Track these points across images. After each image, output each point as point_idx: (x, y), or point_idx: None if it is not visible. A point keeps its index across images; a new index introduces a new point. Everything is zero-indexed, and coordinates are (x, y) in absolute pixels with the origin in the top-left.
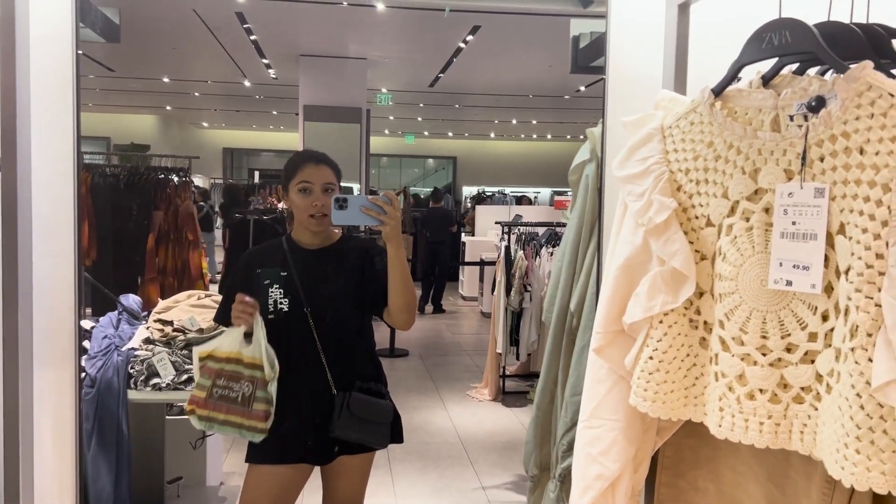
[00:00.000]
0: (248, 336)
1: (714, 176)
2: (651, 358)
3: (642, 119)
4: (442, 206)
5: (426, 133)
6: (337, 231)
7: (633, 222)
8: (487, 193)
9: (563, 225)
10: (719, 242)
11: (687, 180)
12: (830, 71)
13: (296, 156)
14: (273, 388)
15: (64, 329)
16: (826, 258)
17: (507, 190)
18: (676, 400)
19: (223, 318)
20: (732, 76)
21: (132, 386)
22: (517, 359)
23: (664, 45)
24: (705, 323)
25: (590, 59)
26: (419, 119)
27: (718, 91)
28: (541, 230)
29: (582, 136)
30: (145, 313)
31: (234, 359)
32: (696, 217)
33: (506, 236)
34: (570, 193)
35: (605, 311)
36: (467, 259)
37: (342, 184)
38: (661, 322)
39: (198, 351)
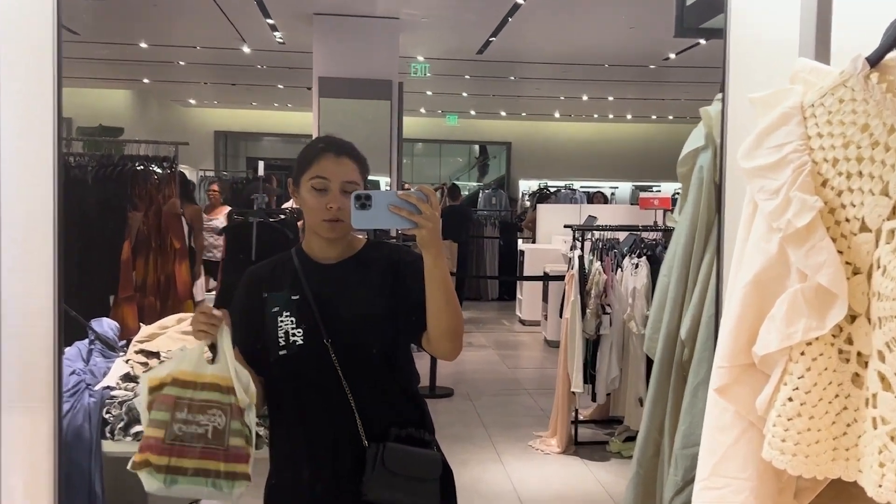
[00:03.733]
0: (214, 352)
1: (870, 167)
2: (790, 399)
3: (776, 95)
4: (459, 204)
5: (473, 113)
6: (360, 237)
7: (765, 226)
8: (551, 189)
9: (651, 229)
10: (877, 252)
11: (835, 173)
12: None
13: (312, 143)
14: (251, 419)
15: (40, 364)
16: None
17: (577, 185)
18: (823, 453)
19: None
20: (894, 41)
21: (108, 435)
22: (593, 400)
23: (802, 1)
24: (859, 354)
25: (701, 18)
26: (464, 95)
27: (875, 60)
28: (622, 235)
29: (671, 118)
30: (123, 342)
31: (198, 382)
32: (848, 220)
33: (577, 243)
34: (657, 189)
35: (730, 340)
36: (527, 272)
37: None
38: (802, 354)
39: (147, 378)
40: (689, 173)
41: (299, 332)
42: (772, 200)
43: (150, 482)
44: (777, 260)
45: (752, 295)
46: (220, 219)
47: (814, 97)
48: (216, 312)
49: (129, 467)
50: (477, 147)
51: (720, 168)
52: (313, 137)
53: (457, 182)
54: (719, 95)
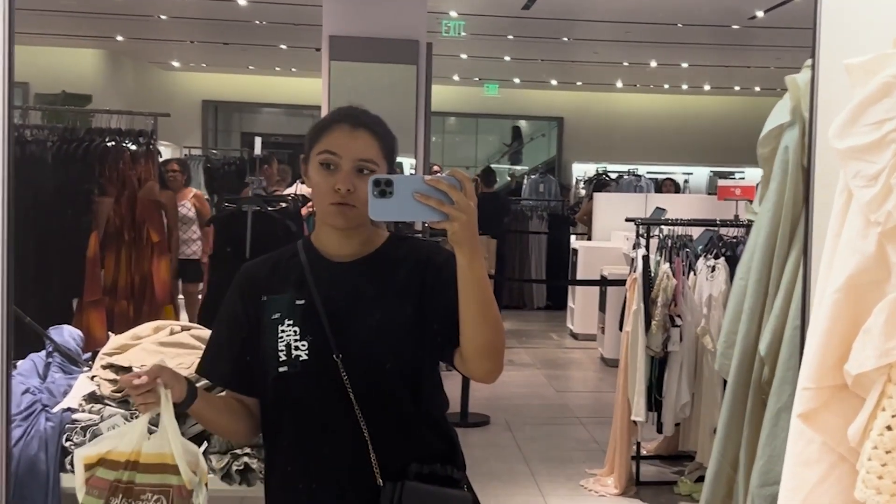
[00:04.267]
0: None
1: None
2: (889, 428)
3: (877, 61)
4: (494, 192)
5: (517, 81)
6: (382, 231)
7: (861, 220)
8: (611, 175)
9: (732, 224)
10: None
11: None
12: None
13: (330, 113)
14: (201, 501)
15: None
16: None
17: (642, 170)
18: None
19: (210, 369)
20: None
21: (68, 467)
22: (659, 431)
23: None
24: None
25: None
26: (506, 59)
27: None
28: (696, 232)
29: (758, 89)
30: (88, 355)
31: (137, 462)
32: None
33: (642, 241)
34: (739, 175)
35: (818, 357)
36: (581, 275)
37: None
38: None
39: (81, 456)
40: (771, 155)
41: (304, 346)
42: (869, 188)
43: None
44: (875, 260)
45: (845, 302)
46: (185, 204)
47: None
48: (142, 379)
49: None
50: (513, 127)
51: (809, 149)
52: (322, 109)
53: (496, 165)
54: (809, 61)
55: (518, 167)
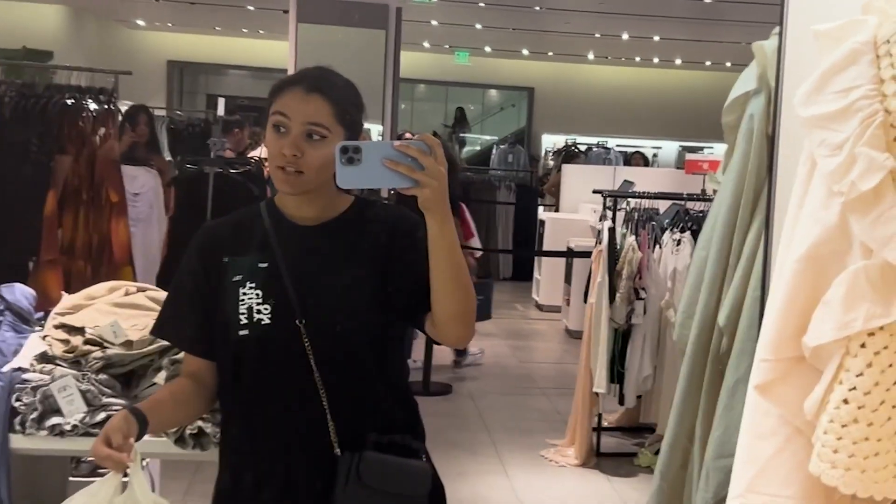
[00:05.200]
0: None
1: None
2: (846, 402)
3: (845, 27)
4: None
5: (488, 49)
6: (346, 195)
7: (824, 189)
8: (580, 147)
9: (698, 198)
10: None
11: None
12: None
13: (288, 75)
14: None
15: None
16: None
17: (611, 142)
18: (884, 467)
19: (167, 329)
20: None
21: (17, 428)
22: (621, 403)
23: None
24: None
25: None
26: (477, 27)
27: None
28: (663, 205)
29: (729, 65)
30: (40, 314)
31: None
32: None
33: (609, 214)
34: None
35: (777, 328)
36: (547, 247)
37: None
38: (863, 346)
39: None
40: (736, 123)
41: (266, 309)
42: (834, 157)
43: None
44: (836, 231)
45: (805, 273)
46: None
47: (890, 31)
48: (114, 439)
49: None
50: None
51: (774, 117)
52: (289, 72)
53: (467, 134)
54: (777, 29)
55: (487, 137)
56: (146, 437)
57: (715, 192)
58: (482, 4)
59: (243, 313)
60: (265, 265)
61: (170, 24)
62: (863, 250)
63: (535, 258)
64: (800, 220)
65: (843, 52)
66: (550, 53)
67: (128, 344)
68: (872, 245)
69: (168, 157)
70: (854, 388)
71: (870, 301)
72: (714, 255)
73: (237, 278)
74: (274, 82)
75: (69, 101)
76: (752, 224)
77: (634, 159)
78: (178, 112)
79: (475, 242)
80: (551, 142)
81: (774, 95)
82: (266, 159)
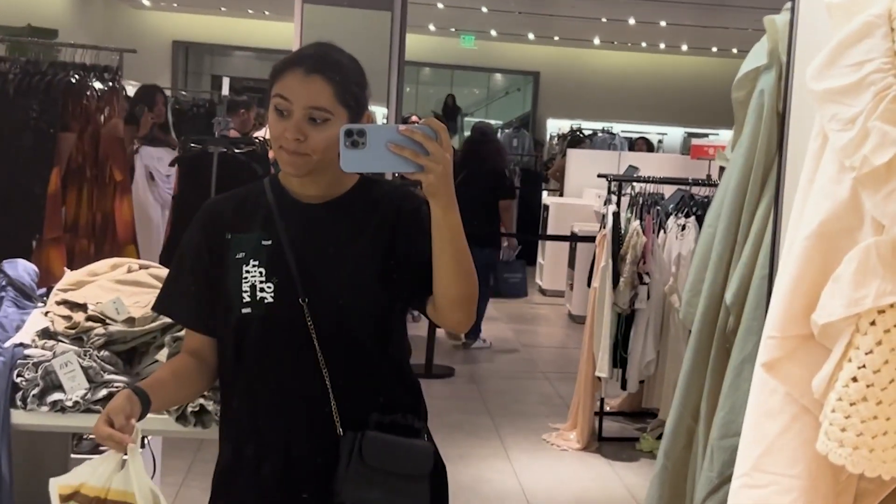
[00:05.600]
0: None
1: None
2: (855, 380)
3: (859, 0)
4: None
5: (493, 33)
6: (352, 174)
7: (835, 164)
8: (585, 132)
9: (703, 184)
10: None
11: None
12: None
13: (290, 54)
14: None
15: None
16: None
17: (616, 128)
18: (892, 447)
19: (169, 305)
20: None
21: (18, 403)
22: (623, 388)
23: None
24: None
25: None
26: (483, 10)
27: None
28: (668, 191)
29: (735, 51)
30: (43, 290)
31: (103, 499)
32: None
33: (613, 198)
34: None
35: (785, 305)
36: (551, 231)
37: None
38: (873, 324)
39: (57, 486)
40: (746, 98)
41: (269, 287)
42: (846, 132)
43: None
44: (848, 207)
45: (815, 250)
46: None
47: None
48: (119, 421)
49: None
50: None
51: (785, 92)
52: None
53: (472, 118)
54: (789, 4)
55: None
56: (148, 415)
57: (722, 169)
58: None
59: (246, 291)
60: (269, 242)
61: (175, 4)
62: (874, 226)
63: (539, 243)
64: (810, 195)
65: (857, 24)
66: (556, 38)
67: (130, 321)
68: (884, 221)
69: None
70: (863, 366)
71: (881, 278)
72: (722, 232)
73: (240, 255)
74: (274, 63)
75: (73, 79)
76: (760, 201)
77: (638, 145)
78: (183, 92)
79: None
80: (556, 127)
81: (786, 71)
82: (269, 140)
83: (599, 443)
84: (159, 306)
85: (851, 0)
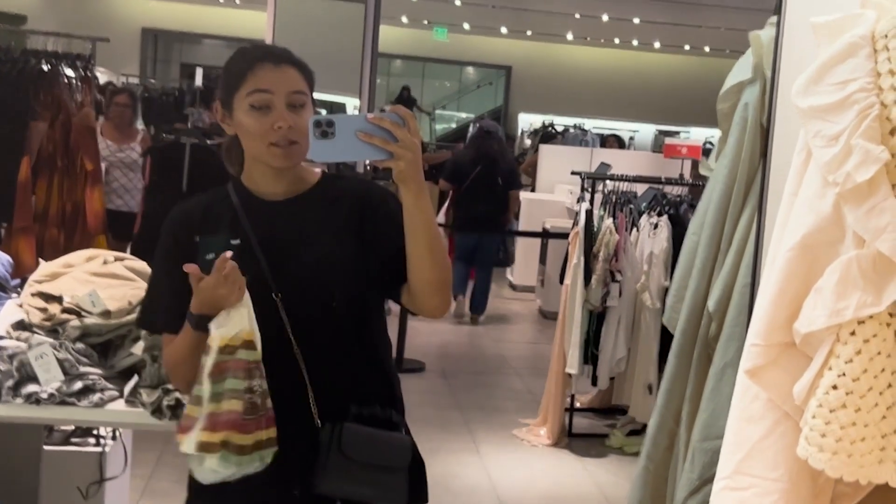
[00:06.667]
0: None
1: None
2: (835, 388)
3: (843, 21)
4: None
5: (466, 27)
6: (314, 169)
7: (819, 180)
8: (557, 128)
9: (676, 183)
10: None
11: None
12: None
13: (240, 53)
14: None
15: None
16: None
17: (588, 124)
18: (869, 452)
19: (155, 321)
20: None
21: None
22: (594, 384)
23: None
24: None
25: None
26: (457, 3)
27: None
28: (640, 189)
29: (708, 49)
30: (17, 282)
31: (255, 343)
32: None
33: (586, 195)
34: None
35: (768, 314)
36: (523, 227)
37: (329, 97)
38: (853, 334)
39: (219, 336)
40: (731, 111)
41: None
42: (829, 148)
43: (222, 467)
44: (830, 221)
45: (798, 261)
46: (134, 147)
47: (888, 26)
48: (228, 261)
49: (188, 450)
50: (470, 69)
51: (769, 106)
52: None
53: (443, 111)
54: (773, 18)
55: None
56: (120, 407)
57: (698, 182)
58: None
59: None
60: (237, 241)
61: None
62: (856, 240)
63: (511, 239)
64: (794, 208)
65: (842, 44)
66: (529, 32)
67: (106, 314)
68: (865, 235)
69: (141, 126)
70: (843, 375)
71: (861, 290)
72: (705, 240)
73: (210, 256)
74: (226, 64)
75: (44, 67)
76: (743, 211)
77: (609, 142)
78: (152, 80)
79: None
80: (528, 121)
81: (770, 85)
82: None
83: (569, 439)
84: (145, 324)
85: (836, 20)
